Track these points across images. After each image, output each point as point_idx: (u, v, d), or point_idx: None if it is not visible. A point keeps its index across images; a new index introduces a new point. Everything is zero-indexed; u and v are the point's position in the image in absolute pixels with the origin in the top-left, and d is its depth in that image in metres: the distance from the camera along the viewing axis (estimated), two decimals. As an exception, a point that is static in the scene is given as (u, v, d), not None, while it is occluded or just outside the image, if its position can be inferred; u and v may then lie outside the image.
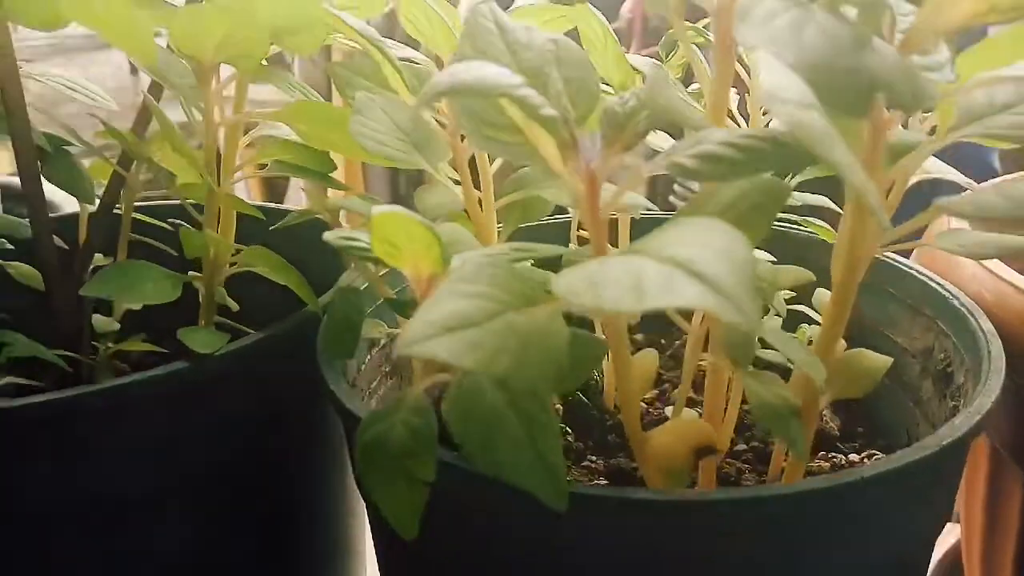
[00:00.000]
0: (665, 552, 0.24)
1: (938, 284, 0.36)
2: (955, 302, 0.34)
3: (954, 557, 0.53)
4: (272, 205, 0.47)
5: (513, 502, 0.23)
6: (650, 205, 0.30)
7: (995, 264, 0.36)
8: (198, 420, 0.33)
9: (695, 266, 0.16)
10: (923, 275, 0.37)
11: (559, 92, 0.23)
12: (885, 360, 0.28)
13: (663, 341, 0.45)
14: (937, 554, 0.53)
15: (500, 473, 0.21)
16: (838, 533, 0.25)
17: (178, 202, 0.41)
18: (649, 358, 0.29)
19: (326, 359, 0.30)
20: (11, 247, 0.43)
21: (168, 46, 0.37)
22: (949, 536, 0.54)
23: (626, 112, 0.23)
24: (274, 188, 1.37)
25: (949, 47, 0.23)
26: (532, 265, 0.28)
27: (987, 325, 0.32)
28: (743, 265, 0.16)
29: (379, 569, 0.33)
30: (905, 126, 0.30)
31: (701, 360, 0.28)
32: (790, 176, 0.34)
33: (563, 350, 0.20)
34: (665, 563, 0.24)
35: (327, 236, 0.26)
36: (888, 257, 0.39)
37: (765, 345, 0.28)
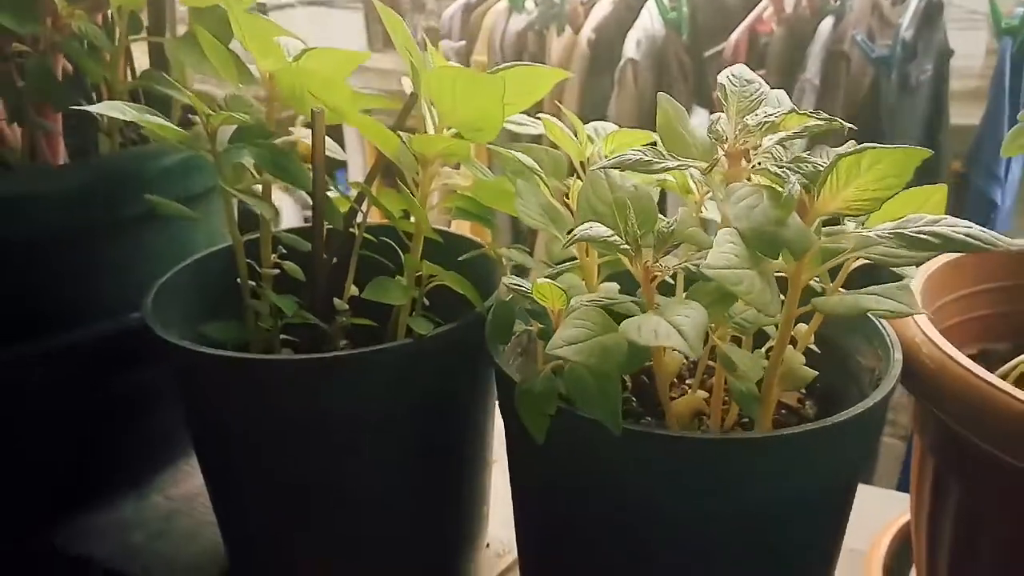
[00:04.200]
0: (665, 464, 0.45)
1: (880, 324, 0.55)
2: (886, 336, 0.53)
3: (905, 535, 0.69)
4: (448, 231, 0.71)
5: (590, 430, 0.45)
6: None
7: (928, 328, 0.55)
8: (411, 377, 0.57)
9: (680, 327, 0.38)
10: (874, 320, 0.56)
11: (633, 219, 0.44)
12: (810, 372, 0.48)
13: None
14: (891, 532, 0.71)
15: (586, 408, 0.43)
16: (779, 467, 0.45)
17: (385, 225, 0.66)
18: (676, 357, 0.50)
19: (491, 342, 0.53)
20: (284, 251, 0.69)
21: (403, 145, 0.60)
22: (902, 518, 0.70)
23: (667, 233, 0.44)
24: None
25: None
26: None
27: (898, 355, 0.51)
28: (699, 328, 0.37)
29: (508, 466, 0.56)
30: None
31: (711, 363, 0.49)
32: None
33: (624, 354, 0.42)
34: (663, 473, 0.45)
35: (505, 281, 0.48)
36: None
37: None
